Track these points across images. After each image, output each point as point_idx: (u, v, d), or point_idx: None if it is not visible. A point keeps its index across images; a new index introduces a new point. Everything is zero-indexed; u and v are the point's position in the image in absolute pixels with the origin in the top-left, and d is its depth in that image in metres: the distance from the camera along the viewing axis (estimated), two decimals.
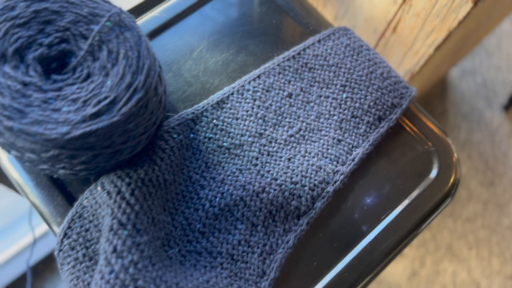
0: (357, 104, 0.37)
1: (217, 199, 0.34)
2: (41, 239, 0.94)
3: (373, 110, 0.37)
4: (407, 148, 0.38)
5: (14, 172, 0.35)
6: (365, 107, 0.37)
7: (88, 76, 0.29)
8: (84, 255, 0.32)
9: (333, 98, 0.37)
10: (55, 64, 0.30)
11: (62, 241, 0.32)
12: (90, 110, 0.27)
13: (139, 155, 0.33)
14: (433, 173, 0.37)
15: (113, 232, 0.29)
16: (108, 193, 0.31)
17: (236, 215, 0.34)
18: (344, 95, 0.37)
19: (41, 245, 0.94)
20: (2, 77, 0.27)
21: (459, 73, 1.33)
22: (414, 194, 0.37)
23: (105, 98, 0.28)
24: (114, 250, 0.28)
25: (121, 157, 0.31)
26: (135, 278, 0.27)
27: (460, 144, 1.25)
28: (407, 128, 0.38)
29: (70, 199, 0.34)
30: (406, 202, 0.36)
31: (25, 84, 0.28)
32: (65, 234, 0.32)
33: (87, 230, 0.32)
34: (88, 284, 0.32)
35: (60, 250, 0.33)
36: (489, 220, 1.16)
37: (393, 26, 0.58)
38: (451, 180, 0.38)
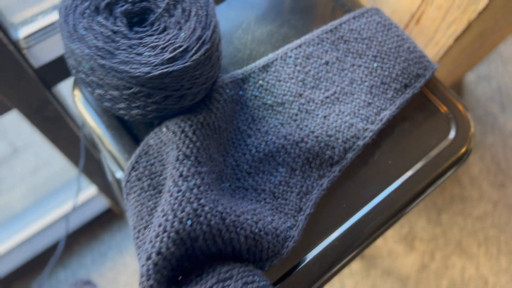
0: (386, 73, 0.42)
1: (262, 146, 0.39)
2: (72, 213, 1.00)
3: (400, 78, 0.42)
4: (428, 113, 0.43)
5: (89, 116, 0.40)
6: (393, 75, 0.42)
7: (165, 29, 0.35)
8: (148, 185, 0.37)
9: (365, 67, 0.42)
10: (137, 19, 0.35)
11: (130, 173, 0.38)
12: (167, 55, 0.33)
13: (198, 104, 0.38)
14: (450, 136, 0.42)
15: (179, 161, 0.35)
16: (173, 132, 0.36)
17: (278, 160, 0.39)
18: (375, 64, 0.42)
19: (72, 218, 1.00)
20: (96, 25, 0.33)
21: (475, 78, 1.37)
22: (432, 153, 0.41)
23: (180, 46, 0.33)
24: (181, 175, 0.34)
25: (185, 102, 0.37)
26: (198, 197, 0.33)
27: (473, 146, 1.28)
28: (429, 97, 0.43)
29: (135, 140, 0.40)
30: (425, 160, 0.41)
31: (114, 32, 0.33)
32: (133, 167, 0.38)
33: (152, 164, 0.38)
34: (151, 209, 0.37)
35: (128, 181, 0.38)
36: (498, 219, 1.20)
37: (416, 17, 0.64)
38: (465, 146, 0.42)
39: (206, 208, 0.32)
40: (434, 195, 1.21)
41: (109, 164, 0.47)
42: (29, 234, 0.99)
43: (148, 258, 0.31)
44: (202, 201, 0.33)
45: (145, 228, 0.37)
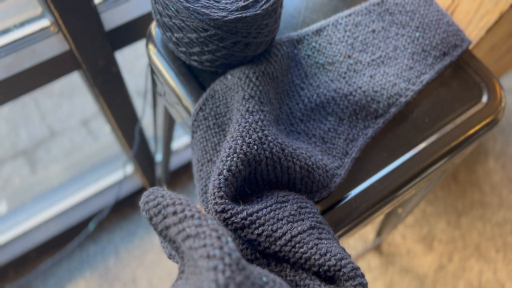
0: (427, 41, 0.47)
1: (314, 97, 0.44)
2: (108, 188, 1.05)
3: (440, 47, 0.46)
4: (462, 81, 0.47)
5: (161, 65, 0.46)
6: (433, 44, 0.46)
7: None
8: (214, 124, 0.42)
9: (408, 36, 0.47)
10: None
11: (197, 114, 0.43)
12: (241, 3, 0.38)
13: (258, 57, 0.43)
14: (483, 101, 0.46)
15: (245, 100, 0.39)
16: (238, 77, 0.41)
17: (328, 110, 0.43)
18: (417, 34, 0.47)
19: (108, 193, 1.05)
20: None
21: None
22: (464, 116, 0.45)
23: None
24: (247, 110, 0.38)
25: (249, 52, 0.42)
26: (262, 129, 0.37)
27: (495, 154, 1.31)
28: (464, 66, 0.48)
29: (201, 87, 0.45)
30: (457, 121, 0.45)
31: None
32: (200, 108, 0.43)
33: (217, 106, 0.42)
34: (215, 145, 0.42)
35: (195, 120, 0.43)
36: None
37: (451, 10, 0.68)
38: (495, 113, 0.46)
39: (269, 138, 0.37)
40: (455, 199, 1.23)
41: (172, 112, 0.52)
42: (64, 208, 1.04)
43: (220, 174, 0.35)
44: (265, 132, 0.37)
45: (208, 161, 0.42)
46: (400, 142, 0.44)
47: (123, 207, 1.10)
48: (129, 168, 1.07)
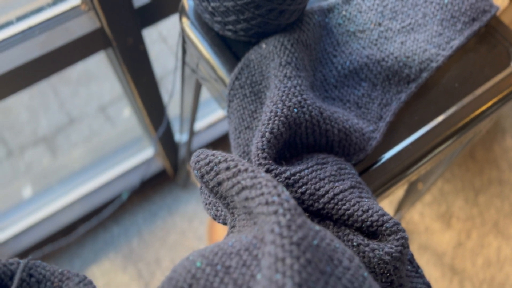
0: (455, 8, 0.47)
1: (347, 64, 0.45)
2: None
3: (469, 12, 0.47)
4: (491, 46, 0.48)
5: (195, 37, 0.47)
6: (462, 10, 0.47)
7: None
8: (250, 92, 0.43)
9: (437, 3, 0.47)
10: None
11: (233, 83, 0.44)
12: None
13: (291, 26, 0.44)
14: (511, 66, 0.47)
15: (282, 66, 0.40)
16: (274, 45, 0.42)
17: (361, 76, 0.44)
18: (446, 1, 0.47)
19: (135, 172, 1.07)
20: None
21: None
22: (493, 80, 0.46)
23: None
24: (285, 75, 0.39)
25: (282, 20, 0.42)
26: (301, 93, 0.38)
27: None
28: (493, 32, 0.48)
29: (235, 57, 0.46)
30: (486, 85, 0.46)
31: None
32: (236, 77, 0.44)
33: (253, 75, 0.43)
34: (252, 112, 0.43)
35: (231, 89, 0.44)
36: None
37: None
38: None
39: (308, 102, 0.38)
40: (472, 176, 1.24)
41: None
42: (88, 191, 1.06)
43: (262, 136, 0.36)
44: (304, 96, 0.38)
45: (246, 128, 0.43)
46: (431, 106, 0.45)
47: (145, 189, 1.12)
48: (150, 151, 1.09)
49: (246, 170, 0.29)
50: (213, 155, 0.32)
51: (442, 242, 1.17)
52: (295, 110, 0.37)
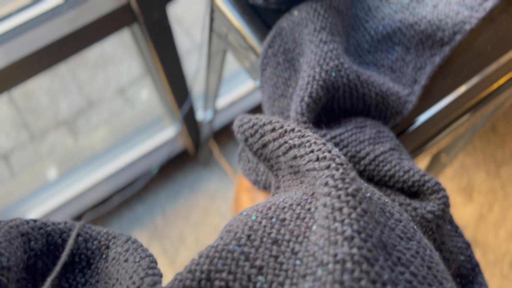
0: None
1: (380, 28, 0.44)
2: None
3: None
4: None
5: (224, 6, 0.47)
6: None
7: None
8: (283, 60, 0.43)
9: None
10: None
11: (266, 51, 0.44)
12: None
13: None
14: None
15: (316, 31, 0.40)
16: (306, 11, 0.42)
17: (394, 40, 0.44)
18: None
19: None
20: None
21: None
22: None
23: None
24: (321, 40, 0.39)
25: None
26: (338, 57, 0.38)
27: None
28: None
29: (266, 25, 0.46)
30: None
31: None
32: (269, 45, 0.44)
33: (285, 42, 0.43)
34: (286, 80, 0.43)
35: (264, 58, 0.44)
36: None
37: None
38: None
39: (345, 65, 0.38)
40: (494, 149, 1.23)
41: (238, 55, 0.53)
42: (110, 171, 1.08)
43: (301, 100, 0.36)
44: (341, 60, 0.38)
45: (280, 96, 0.43)
46: (464, 69, 0.44)
47: (167, 168, 1.13)
48: (171, 131, 1.10)
49: (292, 130, 0.29)
50: (256, 118, 0.32)
51: (464, 215, 1.17)
52: (333, 74, 0.37)
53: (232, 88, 1.10)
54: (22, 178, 1.20)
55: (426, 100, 0.43)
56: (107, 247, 0.29)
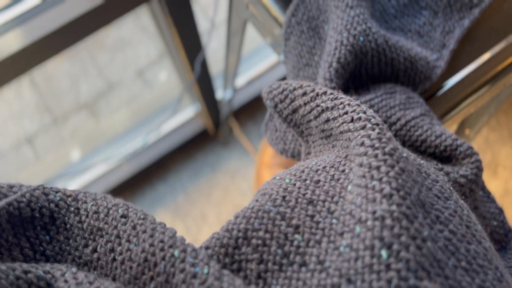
0: None
1: None
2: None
3: None
4: None
5: None
6: None
7: None
8: (307, 28, 0.42)
9: None
10: None
11: (289, 20, 0.43)
12: None
13: None
14: None
15: None
16: None
17: (421, 4, 0.43)
18: None
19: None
20: None
21: None
22: None
23: None
24: (347, 5, 0.38)
25: None
26: (365, 21, 0.37)
27: None
28: None
29: None
30: None
31: None
32: (292, 14, 0.43)
33: (309, 10, 0.43)
34: (311, 48, 0.43)
35: (288, 27, 0.43)
36: None
37: None
38: None
39: (373, 30, 0.37)
40: None
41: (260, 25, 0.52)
42: (133, 151, 1.09)
43: (330, 66, 0.36)
44: (368, 24, 0.37)
45: (305, 65, 0.43)
46: (492, 33, 0.43)
47: (188, 148, 1.14)
48: (190, 111, 1.10)
49: (325, 93, 0.29)
50: (286, 83, 0.32)
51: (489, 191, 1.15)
52: (361, 38, 0.36)
53: (251, 66, 1.09)
54: (46, 160, 1.23)
55: (453, 65, 0.42)
56: (75, 200, 0.26)
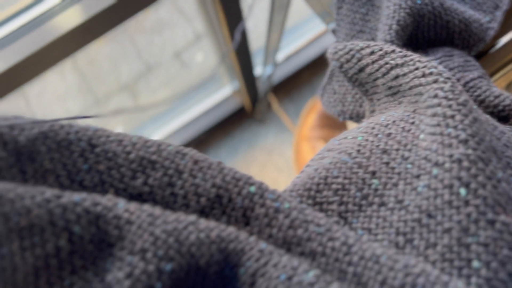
0: None
1: None
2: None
3: None
4: None
5: None
6: None
7: None
8: None
9: None
10: None
11: None
12: None
13: None
14: None
15: None
16: None
17: None
18: None
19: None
20: None
21: None
22: None
23: None
24: None
25: None
26: None
27: None
28: None
29: None
30: None
31: None
32: None
33: None
34: (364, 15, 0.44)
35: None
36: None
37: None
38: None
39: None
40: None
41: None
42: (173, 130, 1.13)
43: (390, 28, 0.37)
44: None
45: (358, 32, 0.44)
46: None
47: (226, 126, 1.17)
48: (229, 89, 1.12)
49: (393, 51, 0.30)
50: (352, 44, 0.33)
51: None
52: (418, 1, 0.37)
53: (292, 41, 1.10)
54: None
55: (505, 24, 0.42)
56: (115, 133, 0.24)
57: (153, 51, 1.38)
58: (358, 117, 0.39)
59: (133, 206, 0.21)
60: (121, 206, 0.21)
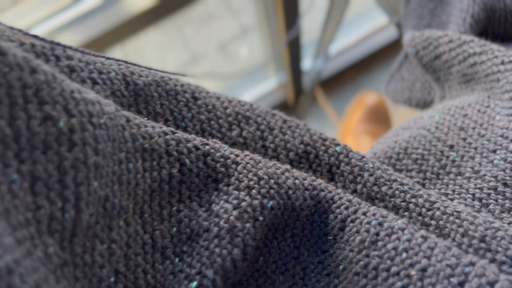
0: None
1: None
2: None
3: None
4: None
5: None
6: None
7: None
8: None
9: None
10: None
11: None
12: None
13: None
14: None
15: None
16: None
17: None
18: None
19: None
20: None
21: None
22: None
23: None
24: None
25: None
26: None
27: None
28: None
29: None
30: None
31: None
32: None
33: None
34: (431, 10, 0.46)
35: None
36: None
37: None
38: None
39: None
40: None
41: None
42: None
43: (464, 21, 0.39)
44: None
45: (425, 26, 0.46)
46: None
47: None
48: (273, 82, 1.15)
49: (472, 40, 0.32)
50: (429, 32, 0.35)
51: None
52: None
53: (345, 34, 1.10)
54: None
55: None
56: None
57: (199, 42, 1.43)
58: (425, 105, 0.41)
59: (236, 150, 0.24)
60: (226, 148, 0.23)
